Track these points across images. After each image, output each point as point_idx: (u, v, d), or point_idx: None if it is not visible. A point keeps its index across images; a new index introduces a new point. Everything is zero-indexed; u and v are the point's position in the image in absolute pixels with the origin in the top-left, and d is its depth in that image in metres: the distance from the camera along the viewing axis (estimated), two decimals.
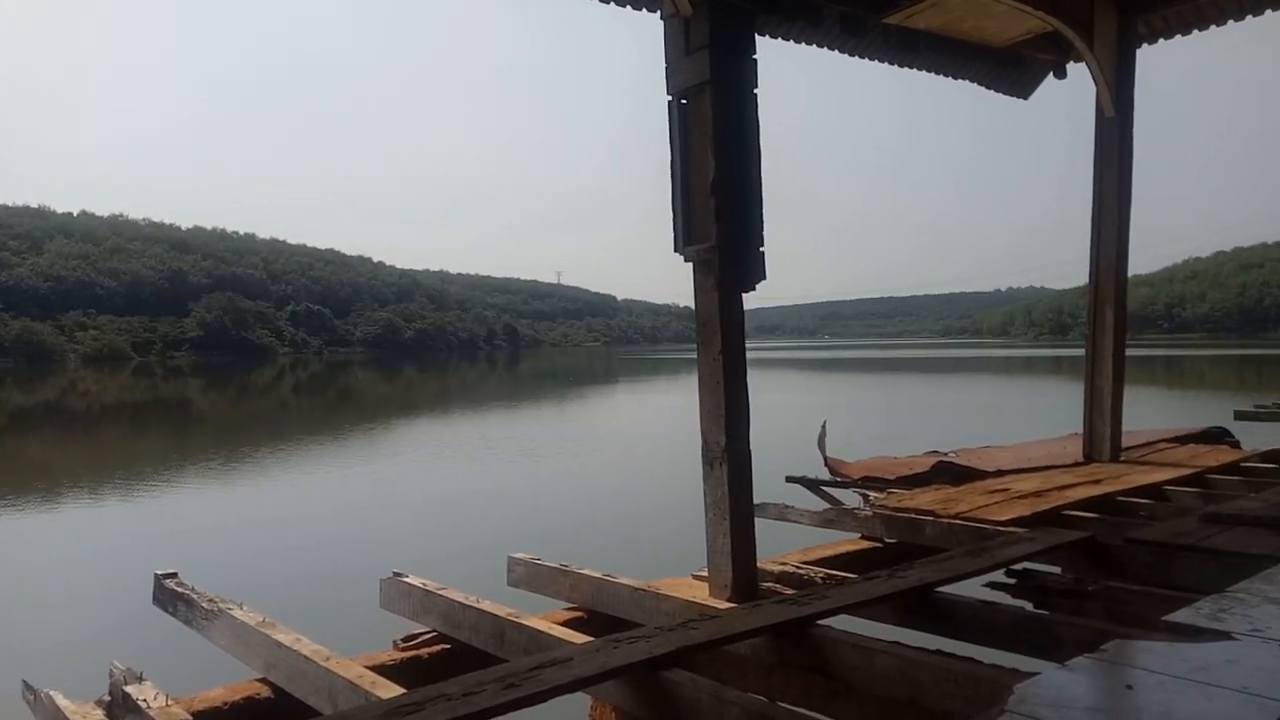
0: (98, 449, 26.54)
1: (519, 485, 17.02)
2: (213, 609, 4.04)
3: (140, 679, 3.28)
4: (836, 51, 6.86)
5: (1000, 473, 6.98)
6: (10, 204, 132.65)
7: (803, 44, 6.53)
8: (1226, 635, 2.95)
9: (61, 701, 3.25)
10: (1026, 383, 49.88)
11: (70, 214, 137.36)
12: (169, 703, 3.16)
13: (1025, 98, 8.43)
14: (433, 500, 15.63)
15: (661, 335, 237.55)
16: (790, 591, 4.37)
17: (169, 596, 4.42)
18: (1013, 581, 4.41)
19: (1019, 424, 20.72)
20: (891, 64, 7.26)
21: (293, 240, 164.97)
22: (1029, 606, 4.16)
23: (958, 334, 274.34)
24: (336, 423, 32.95)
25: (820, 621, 3.61)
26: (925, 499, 5.99)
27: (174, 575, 4.52)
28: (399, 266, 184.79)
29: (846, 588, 3.99)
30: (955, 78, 7.89)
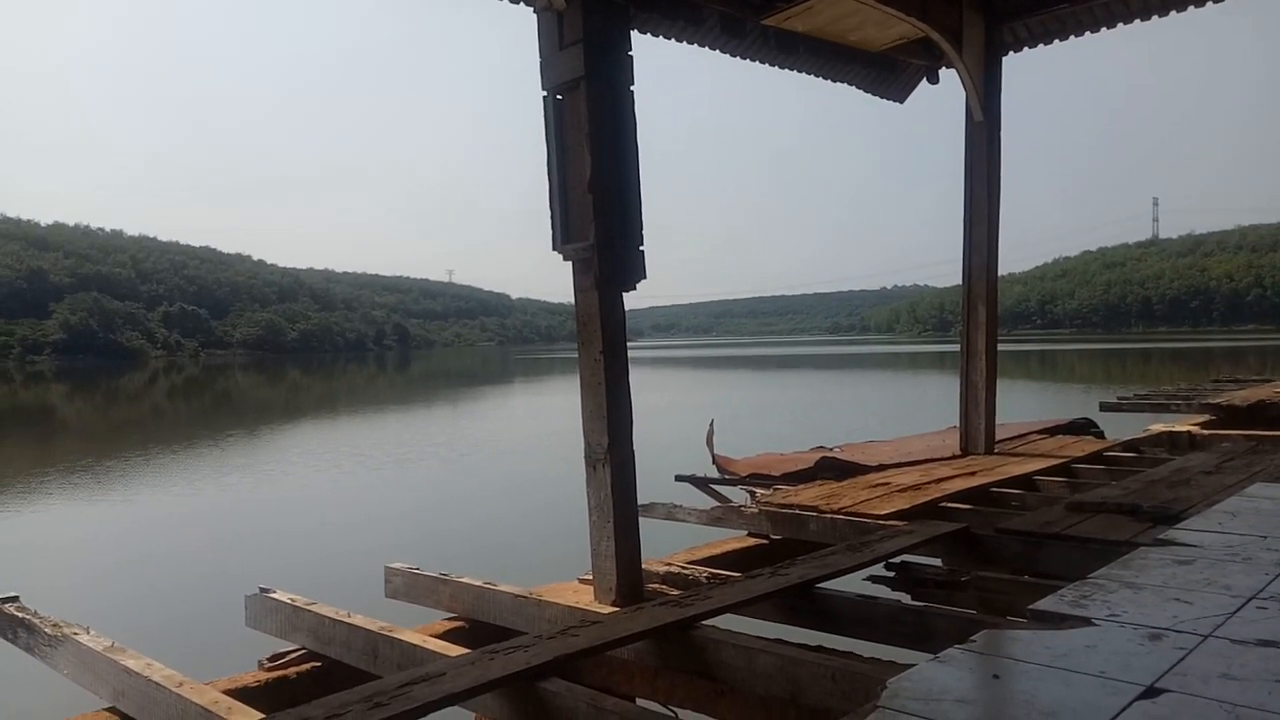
0: None
1: (401, 491, 16.61)
2: (56, 635, 3.74)
3: None
4: (718, 52, 6.90)
5: (882, 467, 7.14)
6: None
7: (685, 43, 6.54)
8: (1087, 621, 3.05)
9: None
10: (910, 378, 51.77)
11: None
12: None
13: (901, 101, 8.66)
14: (308, 509, 15.09)
15: (557, 334, 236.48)
16: (675, 593, 4.34)
17: (8, 622, 4.07)
18: (892, 574, 4.49)
19: (902, 418, 21.44)
20: (772, 65, 7.34)
21: (164, 238, 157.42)
22: (907, 599, 4.24)
23: (846, 331, 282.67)
24: (211, 428, 31.45)
25: (703, 622, 3.59)
26: (809, 495, 6.07)
27: (14, 599, 4.17)
28: (281, 265, 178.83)
29: (729, 587, 3.98)
30: (834, 80, 8.04)
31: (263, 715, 2.84)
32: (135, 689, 3.24)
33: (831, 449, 8.32)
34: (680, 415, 23.57)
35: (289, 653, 3.91)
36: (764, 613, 4.09)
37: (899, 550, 4.52)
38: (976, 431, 7.90)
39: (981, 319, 7.85)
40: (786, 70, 7.54)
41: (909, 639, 3.71)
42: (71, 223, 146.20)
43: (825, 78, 7.93)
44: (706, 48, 6.73)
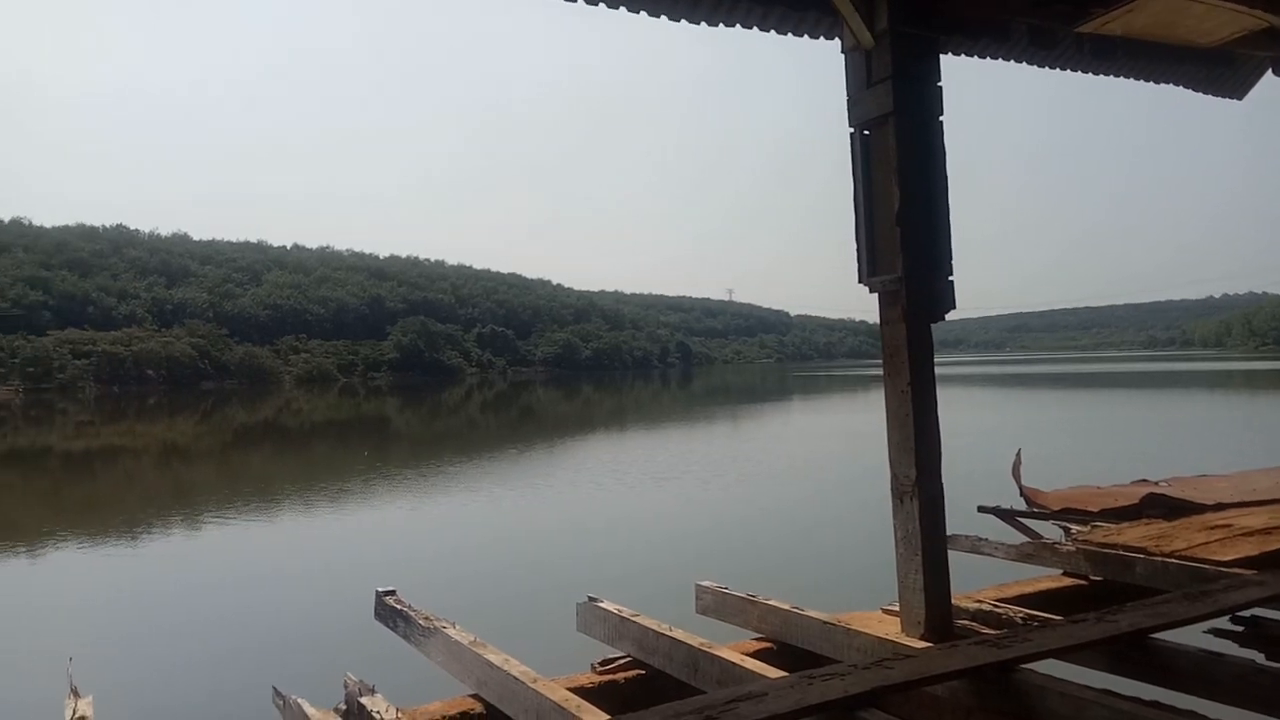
0: (310, 464, 28.91)
1: (699, 508, 17.17)
2: (429, 627, 4.35)
3: (372, 691, 3.60)
4: (1025, 64, 6.62)
5: (1220, 506, 6.46)
6: (234, 240, 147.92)
7: (990, 59, 6.36)
8: None
9: (308, 709, 3.60)
10: (1247, 401, 45.43)
11: (284, 247, 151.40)
12: (398, 715, 3.45)
13: (1240, 98, 7.77)
14: (619, 522, 16.04)
15: (836, 351, 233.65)
16: (987, 631, 4.23)
17: (389, 612, 4.79)
18: (1240, 629, 4.09)
19: (1240, 449, 18.96)
20: (1085, 73, 6.89)
21: (478, 266, 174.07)
22: (1260, 658, 3.85)
23: (1164, 345, 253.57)
24: (520, 440, 34.40)
25: (1023, 665, 3.49)
26: (1135, 534, 5.63)
27: (393, 592, 4.89)
28: (576, 288, 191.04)
29: (1051, 630, 3.83)
30: (1157, 82, 7.40)
31: (607, 715, 3.17)
32: (496, 681, 3.71)
33: (1157, 483, 7.62)
34: (974, 438, 22.36)
35: (616, 659, 4.28)
36: (1089, 660, 3.89)
37: (1248, 603, 4.11)
38: None
39: None
40: (1101, 76, 7.08)
41: (1264, 704, 3.38)
42: (404, 254, 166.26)
43: (1147, 80, 7.32)
44: (1013, 62, 6.50)
